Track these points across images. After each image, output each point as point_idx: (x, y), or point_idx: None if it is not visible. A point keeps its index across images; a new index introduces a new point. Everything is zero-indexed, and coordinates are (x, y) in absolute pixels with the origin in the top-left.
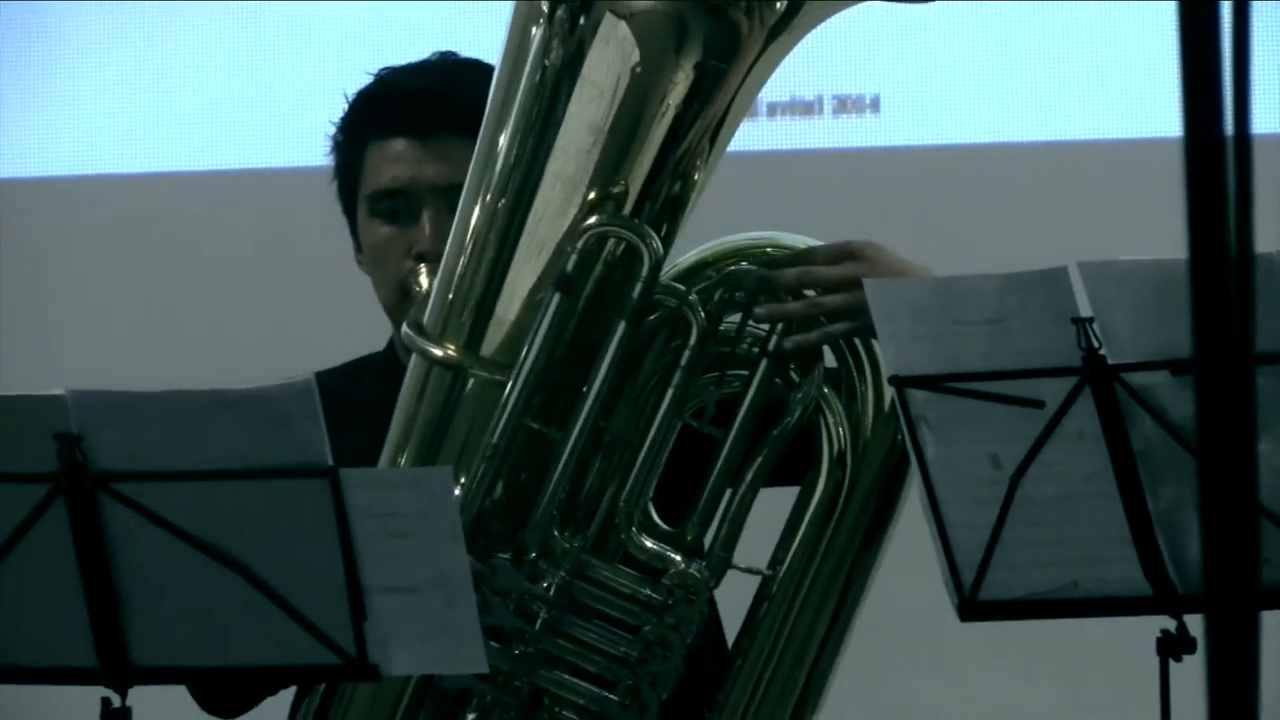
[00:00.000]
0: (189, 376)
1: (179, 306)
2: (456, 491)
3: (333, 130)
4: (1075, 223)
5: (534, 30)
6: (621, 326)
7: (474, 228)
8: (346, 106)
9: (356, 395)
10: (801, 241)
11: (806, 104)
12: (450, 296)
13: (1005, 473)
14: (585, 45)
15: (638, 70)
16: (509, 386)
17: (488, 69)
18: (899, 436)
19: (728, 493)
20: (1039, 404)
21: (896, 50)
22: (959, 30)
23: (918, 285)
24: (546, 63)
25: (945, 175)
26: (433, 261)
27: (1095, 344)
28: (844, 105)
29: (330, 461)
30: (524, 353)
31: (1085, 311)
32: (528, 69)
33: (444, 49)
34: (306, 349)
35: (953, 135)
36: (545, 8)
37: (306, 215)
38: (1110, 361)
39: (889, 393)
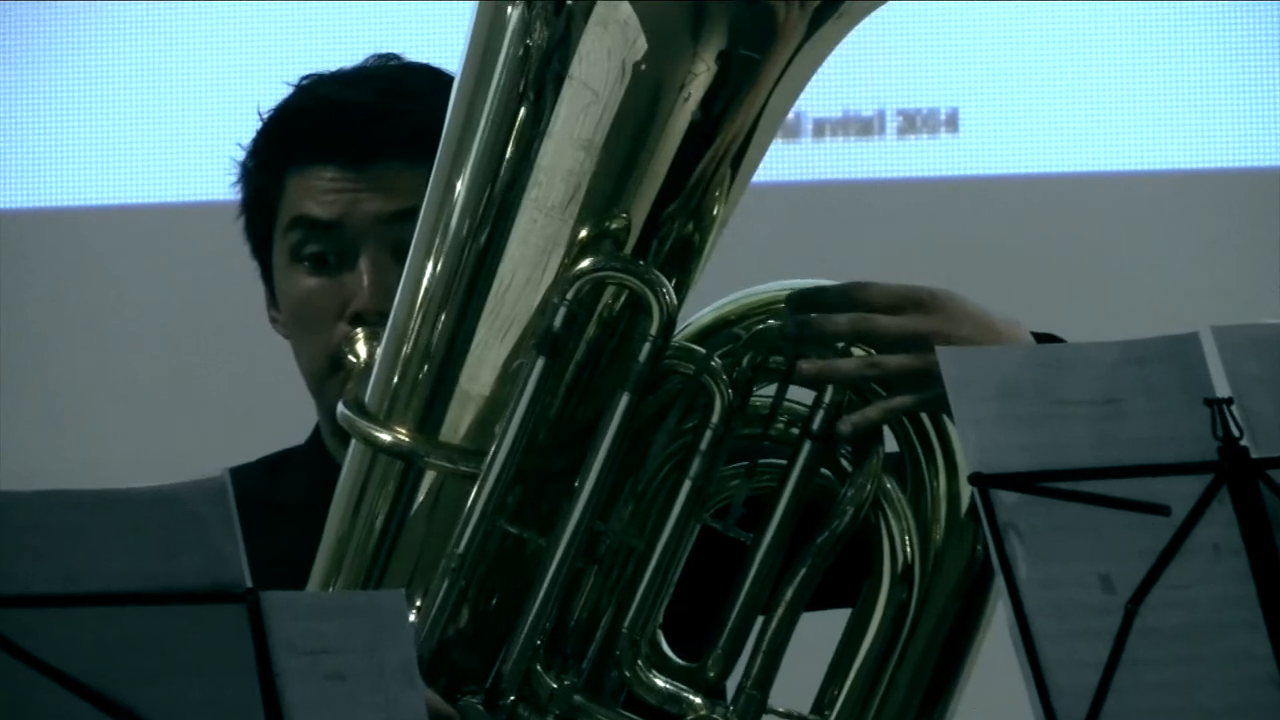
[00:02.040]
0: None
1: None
2: (411, 617)
3: (241, 155)
4: (1207, 269)
5: (508, 13)
6: (624, 400)
7: (429, 277)
8: (260, 125)
9: (275, 494)
10: None
11: (864, 121)
12: (399, 366)
13: (1120, 598)
14: (575, 33)
15: (643, 66)
16: (478, 480)
17: (443, 77)
18: (980, 547)
19: (760, 616)
20: (1163, 510)
21: (979, 54)
22: (1058, 31)
23: (1006, 354)
24: (526, 56)
25: (1040, 211)
26: (374, 323)
27: (1235, 432)
28: (912, 123)
29: (248, 582)
30: (497, 436)
31: (1222, 391)
32: (499, 66)
33: (386, 51)
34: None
35: (1051, 161)
36: None
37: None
38: (1254, 455)
39: (968, 491)
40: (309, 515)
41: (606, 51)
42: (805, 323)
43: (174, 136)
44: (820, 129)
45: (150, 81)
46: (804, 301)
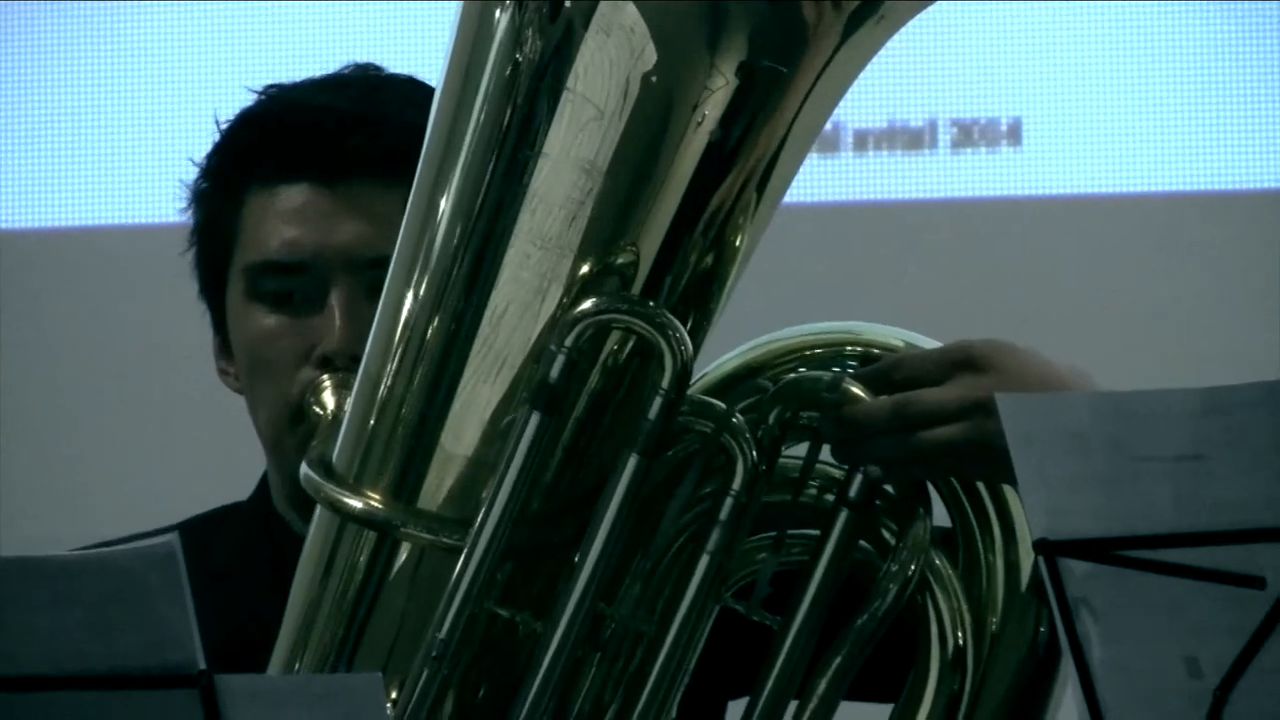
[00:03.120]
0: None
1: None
2: (388, 708)
3: (194, 175)
4: None
5: (496, 17)
6: (632, 462)
7: (406, 318)
8: (217, 139)
9: (208, 559)
10: (897, 338)
11: (913, 132)
12: (372, 422)
13: (1208, 683)
14: (574, 40)
15: (652, 78)
16: (462, 554)
17: (424, 89)
18: (1044, 628)
19: (792, 705)
20: (1257, 582)
21: (1046, 55)
22: (1138, 27)
23: (1076, 403)
24: (516, 67)
25: (1116, 237)
26: (344, 369)
27: None
28: (968, 135)
29: (202, 663)
30: (484, 504)
31: None
32: (486, 78)
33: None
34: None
35: (1129, 179)
36: None
37: None
38: None
39: (1031, 562)
40: (248, 581)
41: (610, 62)
42: (841, 422)
43: (134, 155)
44: (862, 141)
45: (116, 95)
46: (833, 392)
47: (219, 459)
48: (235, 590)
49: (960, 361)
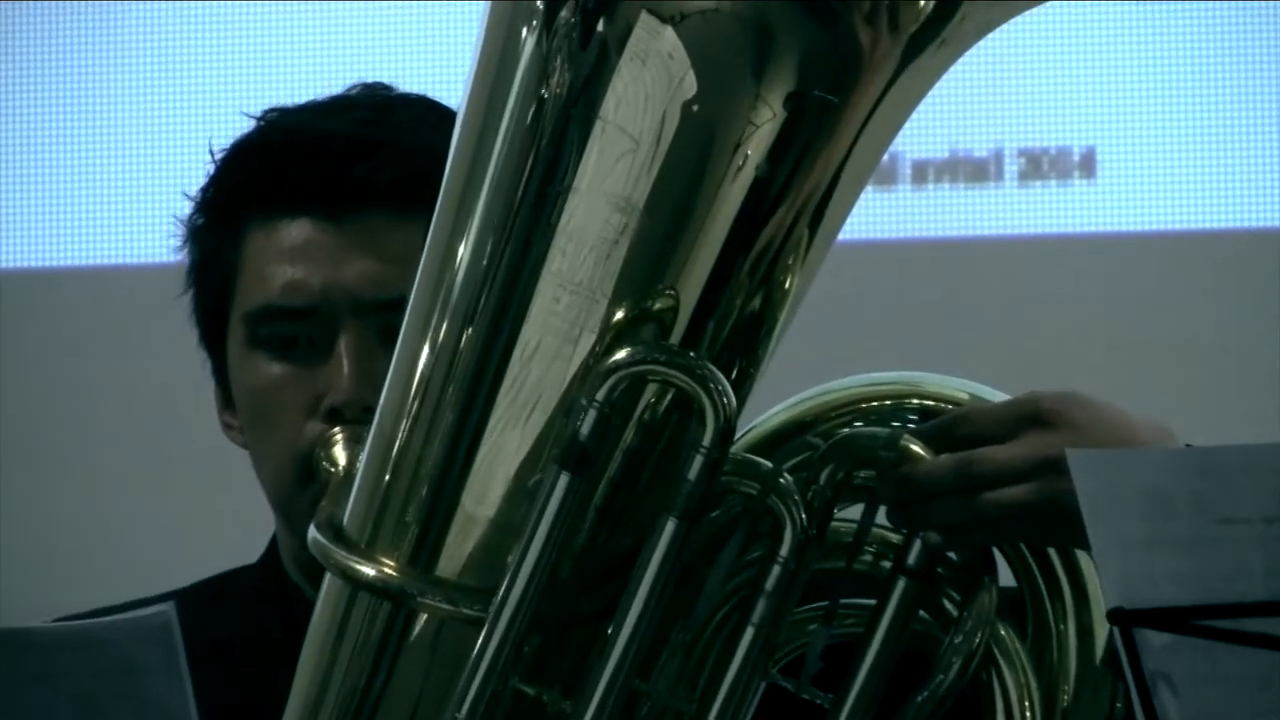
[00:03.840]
0: None
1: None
2: None
3: (189, 209)
4: None
5: (524, 38)
6: (670, 526)
7: (423, 369)
8: (213, 169)
9: (213, 630)
10: (961, 389)
11: (977, 163)
12: (386, 481)
13: None
14: (608, 67)
15: (693, 108)
16: (486, 626)
17: (443, 112)
18: (1120, 704)
19: None
20: None
21: (1120, 81)
22: (1219, 49)
23: (1154, 458)
24: (544, 95)
25: (1197, 273)
26: (355, 421)
27: None
28: (1037, 165)
29: None
30: (508, 571)
31: None
32: (511, 105)
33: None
34: None
35: (1210, 214)
36: (541, 4)
37: None
38: None
39: (1105, 633)
40: (256, 654)
41: (646, 90)
42: (900, 483)
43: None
44: (921, 173)
45: (105, 125)
46: (890, 449)
47: (225, 518)
48: (243, 664)
49: (1029, 416)
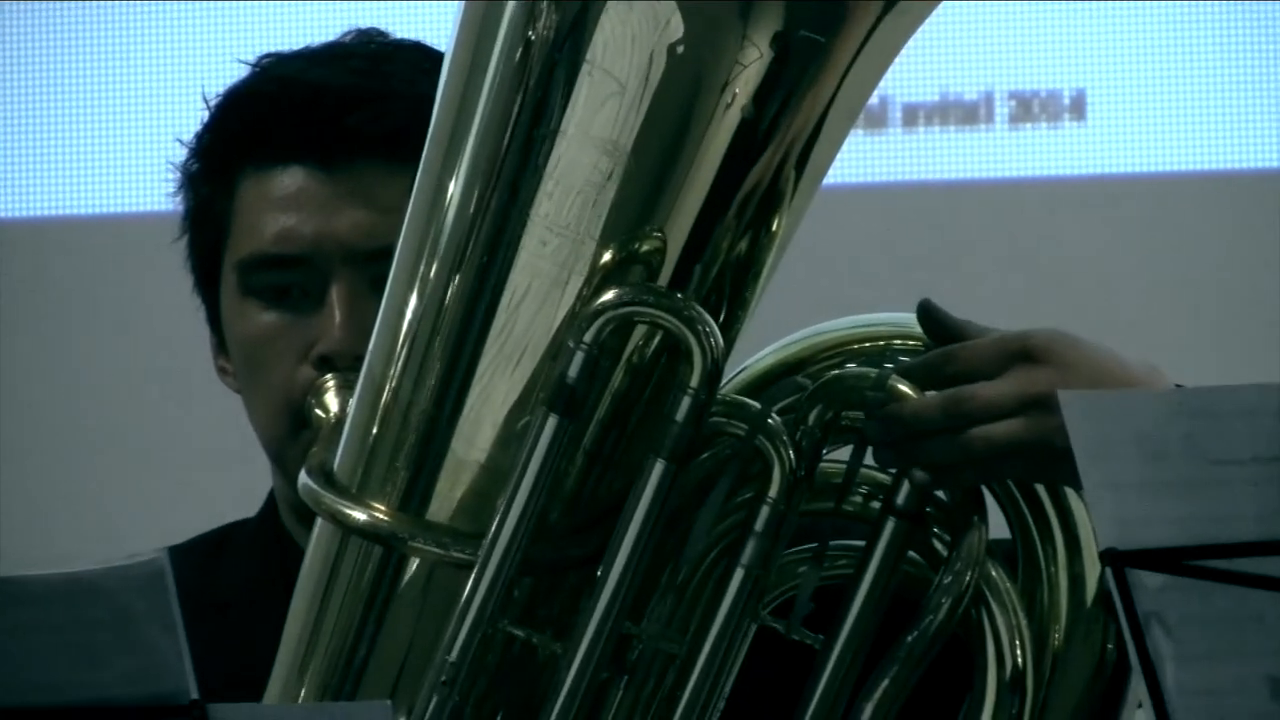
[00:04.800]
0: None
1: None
2: None
3: (183, 157)
4: None
5: None
6: (659, 468)
7: (412, 314)
8: (207, 117)
9: (212, 586)
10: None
11: (967, 106)
12: (376, 426)
13: None
14: (594, 9)
15: (679, 50)
16: (475, 569)
17: (435, 56)
18: (1112, 645)
19: None
20: None
21: (1111, 23)
22: None
23: (1147, 401)
24: (531, 37)
25: (1188, 215)
26: (346, 369)
27: None
28: (1027, 108)
29: (194, 692)
30: (498, 515)
31: None
32: (498, 51)
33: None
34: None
35: (1201, 155)
36: None
37: None
38: None
39: (1097, 574)
40: (256, 609)
41: (633, 33)
42: (887, 422)
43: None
44: (912, 116)
45: (105, 83)
46: (878, 389)
47: (224, 469)
48: (244, 619)
49: (1017, 353)
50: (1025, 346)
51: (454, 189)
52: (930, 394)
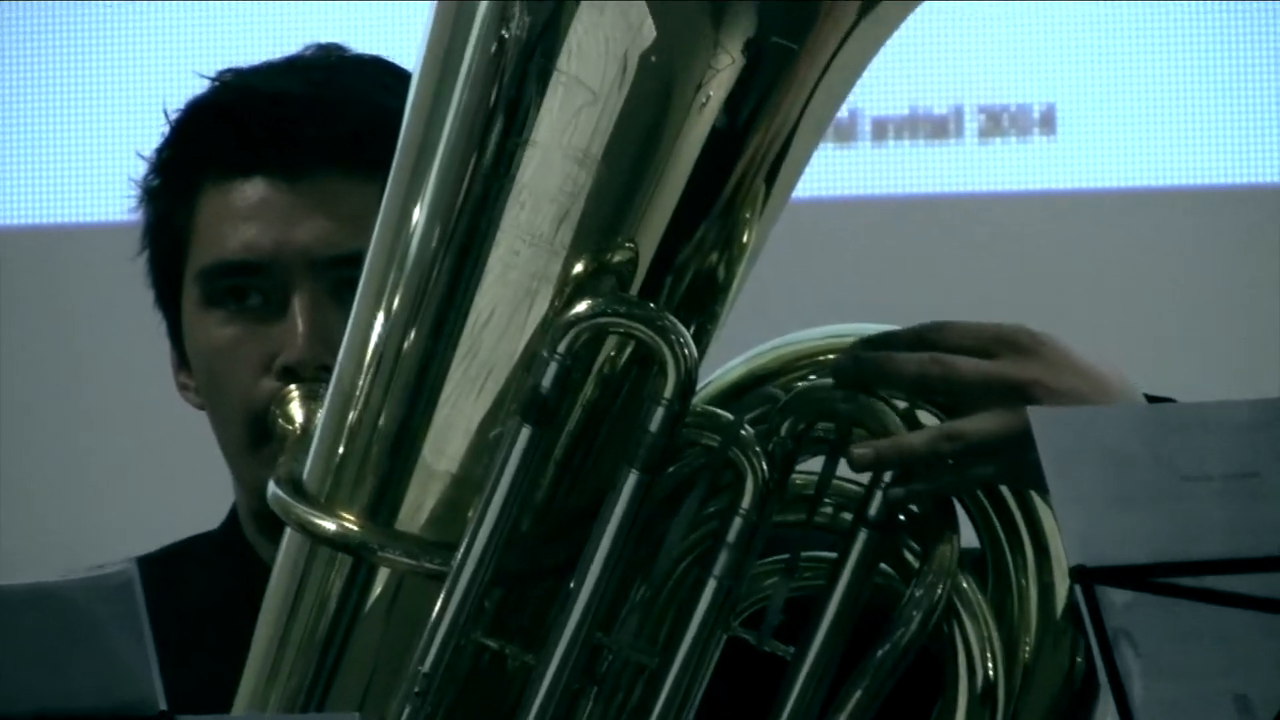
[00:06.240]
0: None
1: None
2: None
3: (143, 170)
4: None
5: None
6: (631, 479)
7: (382, 323)
8: (167, 130)
9: (174, 597)
10: None
11: (937, 120)
12: (346, 436)
13: None
14: (565, 16)
15: (651, 58)
16: (447, 580)
17: (397, 72)
18: (1081, 659)
19: None
20: None
21: (1081, 38)
22: (1179, 7)
23: (1116, 415)
24: (504, 39)
25: (1158, 231)
26: (312, 380)
27: None
28: (997, 123)
29: (162, 703)
30: (469, 525)
31: None
32: (468, 58)
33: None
34: None
35: (1171, 171)
36: None
37: None
38: None
39: (1066, 585)
40: (217, 621)
41: (605, 39)
42: (863, 362)
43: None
44: (881, 130)
45: (61, 85)
46: (863, 346)
47: (183, 482)
48: (206, 631)
49: (1007, 340)
50: (1015, 336)
51: (424, 198)
52: (910, 354)
